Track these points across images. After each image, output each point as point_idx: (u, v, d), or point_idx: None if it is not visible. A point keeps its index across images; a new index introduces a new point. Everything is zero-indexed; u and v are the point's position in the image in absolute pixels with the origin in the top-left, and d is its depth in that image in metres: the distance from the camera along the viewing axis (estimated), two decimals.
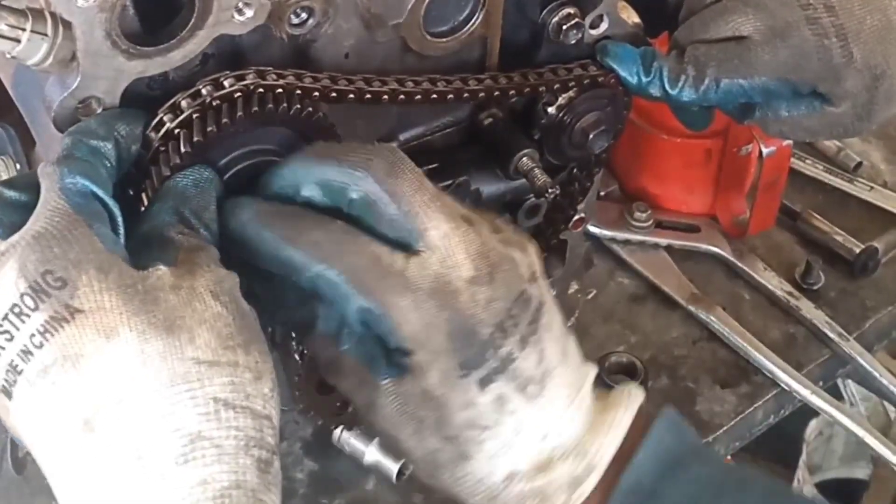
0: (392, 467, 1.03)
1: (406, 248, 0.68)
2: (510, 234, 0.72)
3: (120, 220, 0.66)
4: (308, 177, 0.70)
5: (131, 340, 0.60)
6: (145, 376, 0.60)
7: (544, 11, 0.85)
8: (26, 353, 0.61)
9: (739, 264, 1.26)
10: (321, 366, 0.74)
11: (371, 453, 1.03)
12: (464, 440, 0.69)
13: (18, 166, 0.91)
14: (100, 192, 0.65)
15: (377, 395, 0.70)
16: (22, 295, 0.61)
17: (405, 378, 0.68)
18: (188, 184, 0.70)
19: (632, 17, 0.88)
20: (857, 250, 1.26)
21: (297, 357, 0.86)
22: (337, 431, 1.04)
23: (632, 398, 0.73)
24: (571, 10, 0.85)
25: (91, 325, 0.61)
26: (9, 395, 0.62)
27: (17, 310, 0.61)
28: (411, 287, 0.66)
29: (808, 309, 1.22)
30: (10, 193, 0.67)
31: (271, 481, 0.62)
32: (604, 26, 0.87)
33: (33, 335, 0.61)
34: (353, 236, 0.68)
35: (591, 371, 0.74)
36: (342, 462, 1.05)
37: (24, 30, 0.66)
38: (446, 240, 0.67)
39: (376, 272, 0.67)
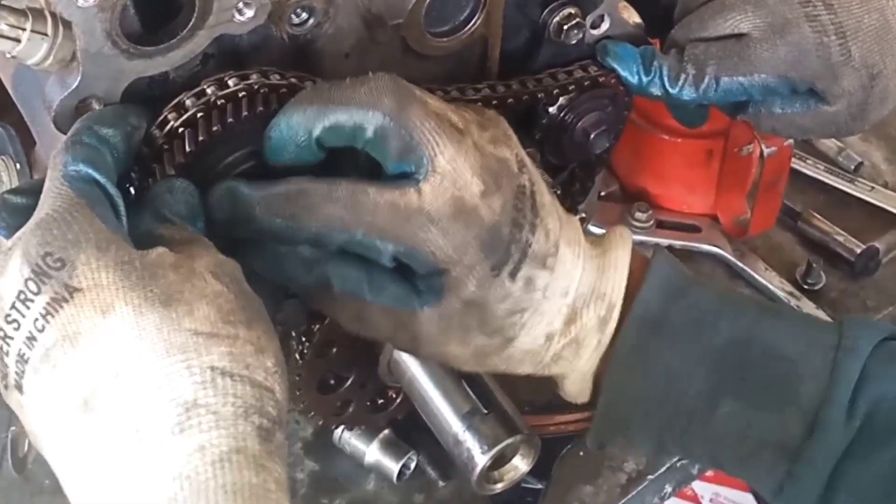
0: (392, 467, 1.03)
1: (416, 173, 0.70)
2: (494, 129, 0.75)
3: (122, 207, 0.66)
4: (317, 123, 0.70)
5: (127, 315, 0.60)
6: (141, 349, 0.59)
7: (545, 11, 0.85)
8: (31, 339, 0.60)
9: (740, 264, 1.25)
10: (346, 323, 0.76)
11: (371, 453, 1.03)
12: (507, 327, 0.75)
13: (18, 166, 0.91)
14: (101, 180, 0.65)
15: (418, 326, 0.73)
16: (26, 280, 0.61)
17: (443, 298, 0.72)
18: (162, 191, 0.69)
19: (633, 16, 0.89)
20: (858, 250, 1.26)
21: (297, 357, 0.86)
22: (337, 431, 1.04)
23: (625, 237, 0.80)
24: (572, 10, 0.85)
25: (88, 303, 0.60)
26: (20, 388, 0.62)
27: (22, 296, 0.61)
28: (434, 219, 0.70)
29: (809, 309, 1.21)
30: (16, 199, 0.67)
31: (274, 451, 0.61)
32: (605, 26, 0.87)
33: (36, 319, 0.60)
34: (362, 193, 0.69)
35: (577, 220, 0.79)
36: (343, 462, 1.05)
37: (24, 29, 0.66)
38: (454, 162, 0.70)
39: (398, 219, 0.69)
